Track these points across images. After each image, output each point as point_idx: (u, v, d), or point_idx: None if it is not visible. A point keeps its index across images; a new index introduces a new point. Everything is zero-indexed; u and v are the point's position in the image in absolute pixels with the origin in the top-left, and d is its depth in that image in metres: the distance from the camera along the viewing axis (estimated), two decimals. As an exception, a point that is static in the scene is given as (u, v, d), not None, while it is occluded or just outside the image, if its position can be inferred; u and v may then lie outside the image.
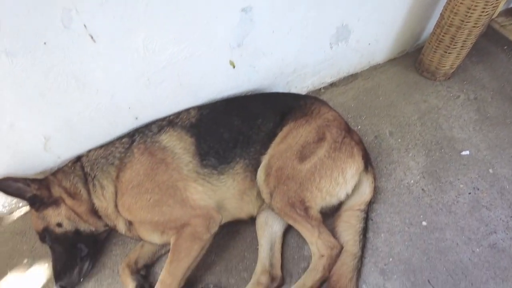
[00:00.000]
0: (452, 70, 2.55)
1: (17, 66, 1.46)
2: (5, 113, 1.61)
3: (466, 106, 2.46)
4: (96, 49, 1.56)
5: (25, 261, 1.90)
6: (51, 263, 1.72)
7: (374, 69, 2.77)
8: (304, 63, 2.37)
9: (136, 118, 1.94)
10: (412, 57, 2.79)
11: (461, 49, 2.35)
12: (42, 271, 1.86)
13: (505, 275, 1.72)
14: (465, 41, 2.28)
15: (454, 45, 2.31)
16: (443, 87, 2.58)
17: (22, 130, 1.70)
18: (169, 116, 1.93)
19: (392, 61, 2.82)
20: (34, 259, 1.90)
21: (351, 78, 2.72)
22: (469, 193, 2.01)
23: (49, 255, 1.76)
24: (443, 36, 2.32)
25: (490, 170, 2.11)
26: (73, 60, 1.55)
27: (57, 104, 1.68)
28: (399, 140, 2.29)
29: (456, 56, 2.40)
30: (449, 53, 2.38)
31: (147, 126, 1.88)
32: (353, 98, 2.57)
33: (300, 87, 2.55)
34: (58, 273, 1.67)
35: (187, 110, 1.94)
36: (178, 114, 1.92)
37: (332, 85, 2.68)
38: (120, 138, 1.86)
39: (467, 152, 2.20)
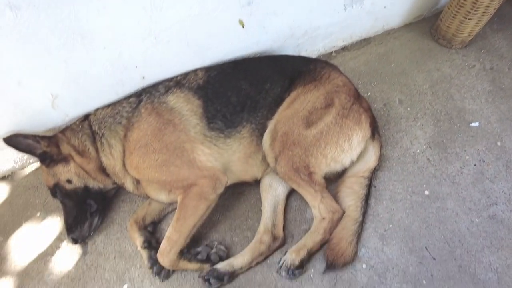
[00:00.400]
0: (470, 38, 2.45)
1: (22, 21, 1.43)
2: (13, 70, 1.60)
3: (481, 76, 2.38)
4: (103, 5, 1.51)
5: (38, 214, 1.98)
6: (62, 217, 1.80)
7: (387, 34, 2.66)
8: (316, 25, 2.28)
9: (143, 78, 1.92)
10: (429, 23, 2.66)
11: (482, 15, 2.23)
12: (54, 223, 1.94)
13: (501, 244, 1.77)
14: (488, 6, 2.16)
15: (475, 10, 2.19)
16: (459, 56, 2.49)
17: (30, 88, 1.70)
18: (176, 76, 1.90)
19: (407, 26, 2.70)
20: (46, 212, 1.98)
21: (364, 42, 2.63)
22: (474, 165, 2.02)
23: (60, 209, 1.83)
24: (464, 0, 2.19)
25: (498, 143, 2.09)
26: (79, 16, 1.51)
27: (64, 61, 1.66)
28: (408, 108, 2.26)
29: (476, 23, 2.29)
30: (469, 19, 2.26)
31: (154, 86, 1.86)
32: (364, 64, 2.50)
33: (311, 50, 2.48)
34: (70, 227, 1.75)
35: (195, 71, 1.91)
36: (185, 75, 1.89)
37: (344, 49, 2.60)
38: (127, 98, 1.86)
39: (476, 124, 2.17)
